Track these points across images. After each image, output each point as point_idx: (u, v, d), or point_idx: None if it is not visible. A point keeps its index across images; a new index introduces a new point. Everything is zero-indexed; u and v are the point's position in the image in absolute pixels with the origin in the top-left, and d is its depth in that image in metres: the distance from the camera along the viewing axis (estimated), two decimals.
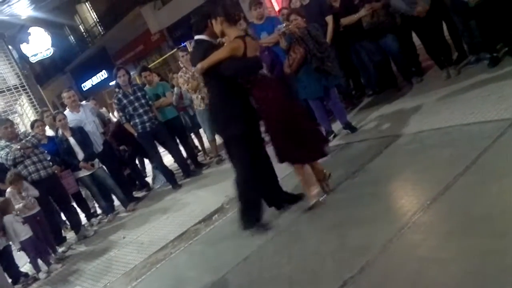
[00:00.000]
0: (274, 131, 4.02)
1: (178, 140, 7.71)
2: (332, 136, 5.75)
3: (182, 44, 8.79)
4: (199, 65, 3.89)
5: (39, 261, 5.74)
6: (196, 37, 4.12)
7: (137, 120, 6.93)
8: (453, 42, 6.28)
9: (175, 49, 11.03)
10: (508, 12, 5.48)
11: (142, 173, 8.50)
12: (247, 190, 4.10)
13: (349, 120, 5.85)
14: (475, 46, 5.86)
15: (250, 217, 4.09)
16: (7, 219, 5.58)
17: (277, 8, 12.28)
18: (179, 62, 7.62)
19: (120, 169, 7.75)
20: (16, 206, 5.73)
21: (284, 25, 5.69)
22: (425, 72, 6.63)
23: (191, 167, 7.63)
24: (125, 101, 6.88)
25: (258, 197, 4.15)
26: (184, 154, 7.71)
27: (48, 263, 5.77)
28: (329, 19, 6.52)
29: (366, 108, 6.52)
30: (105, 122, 7.82)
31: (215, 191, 6.07)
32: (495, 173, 3.21)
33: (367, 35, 6.28)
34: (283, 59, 5.81)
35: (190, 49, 7.76)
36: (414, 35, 6.29)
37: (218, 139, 8.18)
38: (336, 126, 5.90)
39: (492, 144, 3.61)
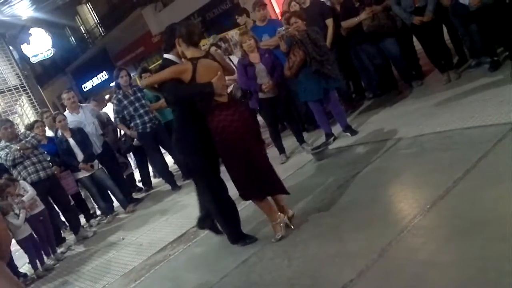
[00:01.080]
0: (228, 163, 3.79)
1: None
2: (332, 138, 5.74)
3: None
4: (143, 81, 3.80)
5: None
6: (164, 55, 3.98)
7: (138, 121, 6.94)
8: (454, 46, 6.29)
9: None
10: (508, 16, 5.50)
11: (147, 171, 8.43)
12: (218, 215, 4.08)
13: (349, 123, 5.85)
14: (476, 50, 5.87)
15: (232, 235, 4.07)
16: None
17: (277, 10, 12.28)
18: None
19: (120, 170, 7.74)
20: (16, 200, 5.72)
21: (284, 28, 5.71)
22: (426, 75, 6.64)
23: None
24: (125, 102, 6.88)
25: (228, 218, 4.04)
26: None
27: (42, 263, 5.77)
28: (329, 22, 6.53)
29: (366, 111, 6.52)
30: (104, 123, 7.81)
31: None
32: (495, 177, 3.20)
33: (368, 38, 6.29)
34: (283, 62, 5.82)
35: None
36: (414, 38, 6.30)
37: None
38: (336, 129, 5.91)
39: (493, 148, 3.61)
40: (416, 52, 6.54)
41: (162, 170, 7.38)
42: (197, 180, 4.07)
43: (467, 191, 3.21)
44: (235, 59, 6.61)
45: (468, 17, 5.51)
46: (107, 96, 8.92)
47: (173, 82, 3.66)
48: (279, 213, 3.85)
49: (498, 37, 5.52)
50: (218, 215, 4.09)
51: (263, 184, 3.78)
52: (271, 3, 13.87)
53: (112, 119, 8.00)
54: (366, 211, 3.61)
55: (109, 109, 8.43)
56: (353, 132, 5.67)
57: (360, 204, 3.79)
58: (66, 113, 7.32)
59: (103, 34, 23.35)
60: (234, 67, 5.63)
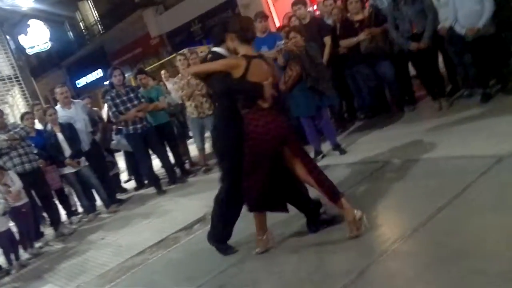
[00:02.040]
0: (250, 170, 3.59)
1: (167, 146, 7.67)
2: (320, 156, 5.76)
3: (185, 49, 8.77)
4: (190, 68, 3.71)
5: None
6: (213, 48, 3.86)
7: (128, 121, 6.90)
8: (448, 74, 6.37)
9: (173, 55, 11.03)
10: (502, 50, 5.59)
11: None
12: (221, 209, 3.96)
13: (339, 142, 5.87)
14: (469, 80, 5.94)
15: (215, 235, 4.03)
16: None
17: (277, 24, 12.36)
18: (177, 66, 7.61)
19: (106, 169, 7.69)
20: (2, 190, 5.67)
21: (283, 42, 5.75)
22: (418, 101, 6.69)
23: (178, 174, 7.59)
24: (117, 101, 6.86)
25: (228, 220, 3.96)
26: (172, 160, 7.68)
27: (17, 258, 5.71)
28: (327, 40, 6.57)
29: (357, 131, 6.55)
30: (95, 121, 7.77)
31: (199, 200, 6.03)
32: (478, 209, 3.22)
33: (364, 59, 6.34)
34: (280, 75, 5.83)
35: (188, 55, 7.76)
36: (409, 63, 6.37)
37: (208, 149, 8.19)
38: (325, 146, 5.92)
39: (478, 179, 3.63)
40: (410, 77, 6.60)
41: (149, 173, 7.34)
42: (224, 177, 3.89)
43: (449, 220, 3.23)
44: None
45: (463, 47, 5.59)
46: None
47: (222, 74, 3.53)
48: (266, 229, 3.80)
49: (491, 69, 5.60)
50: (220, 213, 3.96)
51: (273, 199, 3.70)
52: (271, 16, 13.96)
53: (105, 118, 7.97)
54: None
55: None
56: (342, 152, 5.69)
57: (343, 224, 3.79)
58: (58, 107, 7.27)
59: (102, 32, 23.32)
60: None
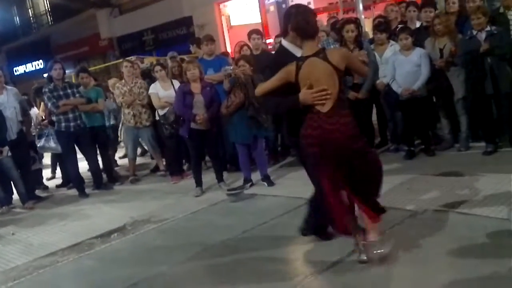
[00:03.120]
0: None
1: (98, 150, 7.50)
2: (249, 184, 5.88)
3: (170, 53, 8.57)
4: (257, 90, 3.45)
5: None
6: (282, 40, 3.65)
7: (61, 117, 6.73)
8: (379, 127, 6.73)
9: (120, 60, 10.92)
10: (431, 113, 6.04)
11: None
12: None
13: (269, 174, 6.02)
14: (397, 136, 6.34)
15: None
16: None
17: (229, 49, 12.58)
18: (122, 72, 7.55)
19: (29, 163, 7.40)
20: None
21: (231, 67, 5.90)
22: None
23: (104, 180, 7.43)
24: (55, 94, 6.69)
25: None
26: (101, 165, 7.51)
27: None
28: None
29: (288, 166, 6.71)
30: (25, 110, 7.48)
31: (121, 209, 5.97)
32: (383, 258, 3.35)
33: None
34: (222, 98, 5.95)
35: (168, 63, 7.79)
36: None
37: (139, 160, 8.11)
38: (256, 176, 6.03)
39: (390, 231, 3.84)
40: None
41: (74, 174, 7.13)
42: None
43: (357, 264, 3.36)
44: (177, 83, 6.67)
45: (396, 104, 5.98)
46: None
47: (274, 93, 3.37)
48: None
49: (418, 129, 6.01)
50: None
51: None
52: (224, 41, 14.19)
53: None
54: (263, 261, 3.71)
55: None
56: (270, 183, 5.83)
57: (260, 252, 3.89)
58: None
59: (50, 23, 22.61)
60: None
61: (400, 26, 6.37)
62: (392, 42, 6.19)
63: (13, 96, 7.10)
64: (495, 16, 5.57)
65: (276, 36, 7.70)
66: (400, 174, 5.34)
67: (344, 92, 3.36)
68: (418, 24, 6.47)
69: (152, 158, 8.06)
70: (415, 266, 3.25)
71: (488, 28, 5.32)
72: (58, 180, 8.13)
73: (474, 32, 5.39)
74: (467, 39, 5.48)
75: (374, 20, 7.14)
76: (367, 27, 8.77)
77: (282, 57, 3.47)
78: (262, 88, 3.44)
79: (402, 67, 5.78)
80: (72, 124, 6.77)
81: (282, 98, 3.37)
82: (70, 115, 6.76)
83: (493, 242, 3.42)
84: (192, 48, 8.12)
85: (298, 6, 3.63)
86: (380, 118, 6.66)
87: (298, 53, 3.41)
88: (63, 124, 6.74)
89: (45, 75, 7.38)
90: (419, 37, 5.91)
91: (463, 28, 5.82)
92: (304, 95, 3.23)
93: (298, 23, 3.32)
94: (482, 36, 5.32)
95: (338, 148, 3.24)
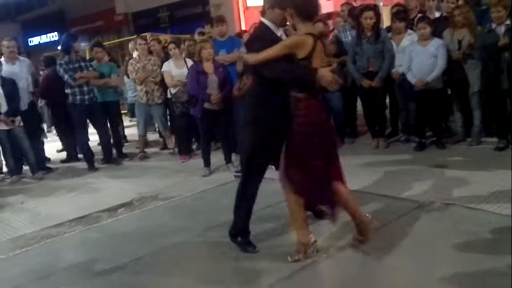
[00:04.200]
0: (289, 160, 3.36)
1: (109, 124, 7.54)
2: None
3: (198, 28, 8.49)
4: (255, 57, 3.20)
5: None
6: (262, 18, 3.47)
7: (76, 90, 6.75)
8: (391, 117, 6.69)
9: (134, 36, 10.89)
10: (445, 105, 5.97)
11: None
12: (243, 196, 3.62)
13: None
14: (408, 127, 6.29)
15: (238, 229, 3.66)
16: None
17: (244, 28, 12.46)
18: (135, 50, 7.54)
19: (40, 134, 7.46)
20: None
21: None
22: (358, 135, 6.96)
23: (114, 155, 7.47)
24: (70, 66, 6.71)
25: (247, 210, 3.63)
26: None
27: None
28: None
29: None
30: (37, 82, 7.52)
31: (129, 184, 6.02)
32: (389, 249, 3.38)
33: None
34: (234, 80, 5.93)
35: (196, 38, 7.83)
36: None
37: (150, 137, 8.15)
38: None
39: (396, 220, 3.86)
40: (356, 112, 6.87)
41: (84, 148, 7.18)
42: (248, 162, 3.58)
43: (352, 259, 3.36)
44: (190, 62, 6.63)
45: (410, 95, 5.93)
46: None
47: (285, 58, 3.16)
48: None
49: (430, 121, 5.95)
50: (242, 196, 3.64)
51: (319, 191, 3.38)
52: (240, 22, 14.06)
53: None
54: (266, 242, 3.71)
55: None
56: (278, 167, 5.82)
57: (263, 234, 3.85)
58: (2, 60, 7.00)
59: None
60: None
61: (419, 15, 6.29)
62: (410, 31, 6.11)
63: (25, 67, 7.15)
64: None
65: None
66: (409, 165, 5.34)
67: None
68: (437, 14, 6.38)
69: (161, 136, 8.09)
70: (417, 257, 3.25)
71: (508, 22, 5.22)
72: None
73: (494, 26, 5.30)
74: (486, 32, 5.40)
75: (392, 8, 7.03)
76: (385, 15, 8.67)
77: (267, 34, 3.35)
78: (263, 56, 3.19)
79: (418, 57, 5.70)
80: (86, 97, 6.80)
81: (294, 64, 3.15)
82: (85, 88, 6.80)
83: (496, 238, 3.41)
84: (207, 28, 8.08)
85: None
86: (392, 107, 6.61)
87: (278, 31, 3.35)
88: (78, 97, 6.76)
89: (59, 47, 7.37)
90: (438, 27, 5.82)
91: (482, 21, 5.73)
92: (325, 72, 3.09)
93: (302, 2, 3.17)
94: (502, 30, 5.22)
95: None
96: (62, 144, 8.29)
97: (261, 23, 3.47)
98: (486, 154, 5.40)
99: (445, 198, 4.21)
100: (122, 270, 3.59)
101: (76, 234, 4.50)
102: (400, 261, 3.25)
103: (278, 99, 3.31)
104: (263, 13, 3.47)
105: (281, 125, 3.31)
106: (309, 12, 3.18)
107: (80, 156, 7.57)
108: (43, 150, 7.49)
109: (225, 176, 5.77)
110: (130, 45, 9.11)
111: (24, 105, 6.89)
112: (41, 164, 7.15)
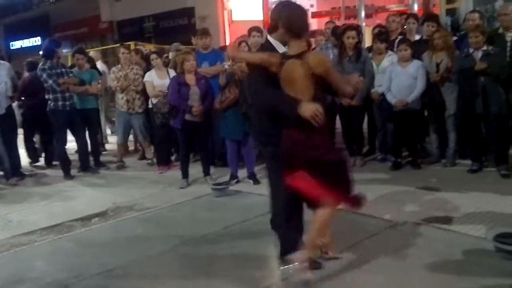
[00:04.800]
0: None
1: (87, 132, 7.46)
2: (235, 180, 5.88)
3: (174, 44, 8.49)
4: (238, 53, 3.32)
5: None
6: (268, 36, 3.51)
7: (58, 95, 6.67)
8: (368, 136, 6.76)
9: (118, 45, 10.86)
10: (422, 126, 6.07)
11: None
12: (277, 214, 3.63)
13: (255, 172, 6.02)
14: (385, 146, 6.36)
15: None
16: None
17: (228, 42, 12.54)
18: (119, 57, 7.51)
19: (16, 139, 7.33)
20: None
21: (229, 63, 5.88)
22: None
23: (91, 163, 7.38)
24: (53, 71, 6.64)
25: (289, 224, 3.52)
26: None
27: None
28: None
29: None
30: (16, 86, 7.43)
31: (104, 194, 5.96)
32: (359, 266, 3.41)
33: None
34: (216, 93, 5.94)
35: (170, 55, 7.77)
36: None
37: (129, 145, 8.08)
38: (242, 173, 6.03)
39: (368, 239, 3.88)
40: (334, 130, 6.92)
41: (61, 154, 7.07)
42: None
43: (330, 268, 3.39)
44: (173, 73, 6.63)
45: (389, 115, 6.01)
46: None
47: (261, 80, 3.22)
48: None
49: (407, 141, 6.04)
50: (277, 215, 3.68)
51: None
52: (224, 36, 14.14)
53: None
54: (240, 257, 3.72)
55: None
56: (256, 181, 5.83)
57: (238, 248, 3.87)
58: None
59: (51, 1, 22.45)
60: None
61: (400, 37, 6.41)
62: (390, 52, 6.21)
63: (5, 71, 7.05)
64: (493, 36, 5.59)
65: None
66: (384, 184, 5.38)
67: (322, 99, 3.21)
68: (417, 37, 6.51)
69: (139, 146, 8.02)
70: (390, 276, 3.27)
71: (485, 48, 5.35)
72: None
73: (471, 50, 5.42)
74: (463, 57, 5.52)
75: (374, 29, 7.15)
76: (367, 35, 8.80)
77: (267, 49, 3.37)
78: (244, 56, 3.38)
79: (398, 78, 5.80)
80: (67, 103, 6.75)
81: (280, 94, 3.17)
82: (67, 94, 6.75)
83: (468, 260, 3.46)
84: (194, 40, 8.10)
85: (291, 3, 3.50)
86: (370, 127, 6.69)
87: (281, 49, 3.35)
88: (60, 103, 6.68)
89: (41, 52, 7.29)
90: (417, 50, 5.94)
91: (461, 45, 5.87)
92: (309, 106, 3.05)
93: (291, 20, 3.20)
94: (478, 55, 5.34)
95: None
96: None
97: (267, 41, 3.52)
98: (460, 176, 5.49)
99: (419, 218, 4.25)
100: (92, 281, 3.53)
101: (47, 242, 4.42)
102: (372, 279, 3.27)
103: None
104: (273, 30, 3.41)
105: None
106: (297, 30, 3.21)
107: (56, 162, 7.48)
108: (18, 156, 7.36)
109: (202, 189, 5.76)
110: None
111: (1, 109, 6.79)
112: (16, 170, 7.02)
